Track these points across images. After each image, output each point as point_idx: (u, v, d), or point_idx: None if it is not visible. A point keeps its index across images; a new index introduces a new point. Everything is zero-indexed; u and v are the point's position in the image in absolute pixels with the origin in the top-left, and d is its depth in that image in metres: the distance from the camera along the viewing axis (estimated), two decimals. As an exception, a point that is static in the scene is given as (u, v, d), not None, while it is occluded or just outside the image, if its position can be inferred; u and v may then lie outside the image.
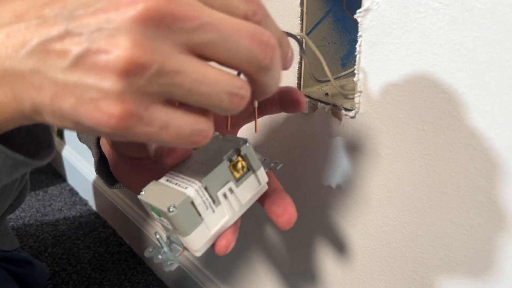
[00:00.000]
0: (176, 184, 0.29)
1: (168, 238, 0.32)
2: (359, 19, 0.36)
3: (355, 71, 0.38)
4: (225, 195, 0.30)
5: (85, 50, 0.20)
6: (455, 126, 0.33)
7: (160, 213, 0.29)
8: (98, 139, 0.44)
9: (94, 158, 0.45)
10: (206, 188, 0.29)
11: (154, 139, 0.22)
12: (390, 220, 0.41)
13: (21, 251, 0.75)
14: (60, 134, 1.31)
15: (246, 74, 0.24)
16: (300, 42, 0.36)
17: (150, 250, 0.32)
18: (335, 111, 0.42)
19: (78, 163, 1.19)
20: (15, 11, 0.22)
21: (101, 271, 0.95)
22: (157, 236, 0.31)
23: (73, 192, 1.23)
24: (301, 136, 0.47)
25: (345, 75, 0.45)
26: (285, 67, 0.28)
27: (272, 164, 0.33)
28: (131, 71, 0.20)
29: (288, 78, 0.45)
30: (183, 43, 0.21)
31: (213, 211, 0.30)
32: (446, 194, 0.35)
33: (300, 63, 0.44)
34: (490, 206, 0.33)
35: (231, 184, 0.30)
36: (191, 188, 0.28)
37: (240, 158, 0.30)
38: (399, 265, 0.42)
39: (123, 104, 0.21)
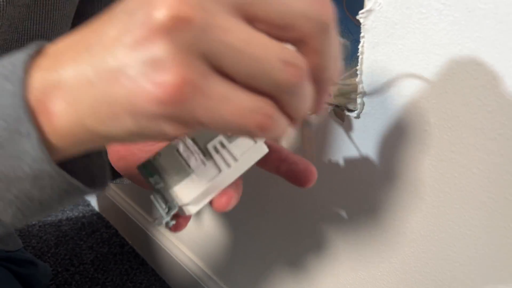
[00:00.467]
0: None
1: (161, 198, 0.30)
2: (361, 20, 0.36)
3: (358, 72, 0.38)
4: (216, 149, 0.29)
5: (129, 28, 0.19)
6: (458, 126, 0.33)
7: (149, 167, 0.28)
8: None
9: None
10: (193, 140, 0.28)
11: (214, 117, 0.20)
12: (393, 221, 0.41)
13: (24, 252, 0.75)
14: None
15: (300, 38, 0.21)
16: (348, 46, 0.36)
17: (156, 219, 0.32)
18: (338, 111, 0.42)
19: (81, 163, 1.19)
20: (88, 27, 0.22)
21: (104, 271, 0.96)
22: (152, 197, 0.30)
23: (75, 193, 1.24)
24: (303, 136, 0.47)
25: (347, 75, 0.45)
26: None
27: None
28: (175, 28, 0.18)
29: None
30: (230, 2, 0.19)
31: (204, 164, 0.29)
32: (449, 194, 0.36)
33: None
34: (492, 206, 0.33)
35: (222, 138, 0.29)
36: (178, 140, 0.28)
37: None
38: (401, 265, 0.42)
39: (177, 70, 0.18)
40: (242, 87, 0.20)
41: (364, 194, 0.43)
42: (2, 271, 0.66)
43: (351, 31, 0.46)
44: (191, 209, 0.29)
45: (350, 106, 0.41)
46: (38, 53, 0.23)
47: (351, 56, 0.47)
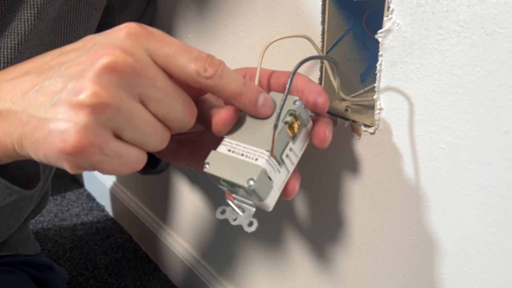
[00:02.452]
0: (242, 154, 0.32)
1: (235, 199, 0.35)
2: (380, 39, 0.37)
3: (375, 89, 0.39)
4: (287, 155, 0.33)
5: (63, 93, 0.26)
6: (474, 145, 0.34)
7: (235, 185, 0.31)
8: None
9: None
10: (273, 156, 0.32)
11: (107, 167, 0.28)
12: (408, 235, 0.42)
13: (42, 256, 0.77)
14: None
15: (203, 90, 0.32)
16: (336, 64, 0.37)
17: (221, 211, 0.35)
18: (355, 126, 0.43)
19: (96, 169, 1.21)
20: (25, 69, 0.29)
21: (118, 276, 0.97)
22: (230, 203, 0.35)
23: (90, 198, 1.26)
24: (319, 150, 0.48)
25: (366, 91, 0.45)
26: (261, 113, 0.33)
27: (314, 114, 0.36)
28: (97, 108, 0.26)
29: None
30: (137, 94, 0.28)
31: (279, 172, 0.33)
32: (464, 211, 0.36)
33: (320, 79, 0.45)
34: (508, 224, 0.34)
35: (291, 144, 0.33)
36: (262, 159, 0.31)
37: (294, 119, 0.33)
38: (415, 280, 0.43)
39: (87, 135, 0.26)
40: (131, 145, 0.29)
41: (381, 209, 0.44)
42: (21, 276, 0.67)
43: (368, 47, 0.47)
44: (269, 210, 0.34)
45: (367, 122, 0.41)
46: None
47: (368, 72, 0.48)
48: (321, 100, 0.34)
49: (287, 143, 0.33)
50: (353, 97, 0.45)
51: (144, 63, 0.28)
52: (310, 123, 0.35)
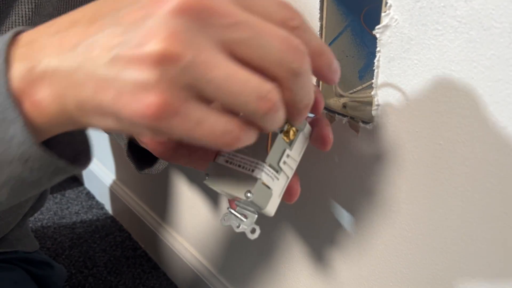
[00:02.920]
0: (239, 166, 0.32)
1: (238, 206, 0.35)
2: (377, 35, 0.37)
3: (373, 85, 0.39)
4: (284, 162, 0.33)
5: (123, 44, 0.21)
6: (472, 141, 0.34)
7: (235, 198, 0.32)
8: None
9: (124, 140, 0.46)
10: (270, 165, 0.32)
11: (188, 135, 0.23)
12: (406, 232, 0.42)
13: (40, 253, 0.77)
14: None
15: (276, 79, 0.24)
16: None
17: (225, 218, 0.35)
18: (353, 123, 0.43)
19: (95, 167, 1.21)
20: (71, 20, 0.24)
21: (117, 274, 0.97)
22: (232, 211, 0.35)
23: (89, 196, 1.26)
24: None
25: (362, 88, 0.45)
26: (330, 78, 0.28)
27: (310, 116, 0.36)
28: (165, 61, 0.21)
29: (307, 90, 0.46)
30: (217, 38, 0.22)
31: (278, 179, 0.33)
32: (462, 207, 0.36)
33: (319, 75, 0.45)
34: (506, 221, 0.34)
35: (287, 151, 0.33)
36: (259, 171, 0.31)
37: (289, 126, 0.33)
38: (414, 277, 0.43)
39: (161, 95, 0.21)
40: (218, 112, 0.23)
41: (380, 206, 0.44)
42: (20, 272, 0.67)
43: (367, 44, 0.47)
44: (271, 215, 0.34)
45: (365, 118, 0.41)
46: (15, 40, 0.25)
47: (367, 69, 0.48)
48: (317, 100, 0.33)
49: (284, 150, 0.33)
50: (351, 93, 0.45)
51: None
52: (308, 126, 0.35)
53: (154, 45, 0.21)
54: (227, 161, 0.33)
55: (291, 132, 0.33)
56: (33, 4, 0.43)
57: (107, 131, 0.24)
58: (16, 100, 0.24)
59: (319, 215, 0.52)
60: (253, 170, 0.31)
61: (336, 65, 0.28)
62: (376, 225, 0.44)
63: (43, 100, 0.24)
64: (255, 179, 0.31)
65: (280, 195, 0.34)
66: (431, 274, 0.41)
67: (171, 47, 0.21)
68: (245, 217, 0.34)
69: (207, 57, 0.21)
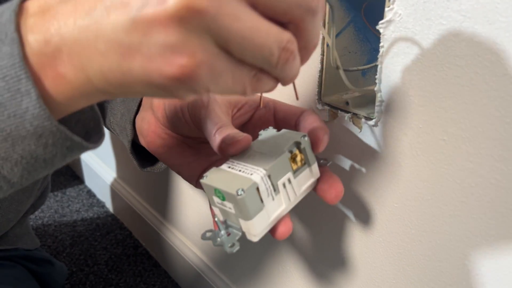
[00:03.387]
0: (239, 170, 0.31)
1: (224, 222, 0.33)
2: (381, 30, 0.37)
3: (376, 81, 0.39)
4: (284, 185, 0.32)
5: (141, 6, 0.20)
6: (476, 137, 0.33)
7: (226, 196, 0.31)
8: (134, 117, 0.45)
9: (128, 137, 0.45)
10: (269, 176, 0.31)
11: (221, 86, 0.23)
12: (409, 229, 0.41)
13: (41, 251, 0.76)
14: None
15: (292, 22, 0.23)
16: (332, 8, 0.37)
17: (207, 235, 0.34)
18: (355, 119, 0.42)
19: (96, 165, 1.21)
20: None
21: (118, 272, 0.97)
22: (216, 219, 0.33)
23: (90, 194, 1.25)
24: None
25: (366, 84, 0.45)
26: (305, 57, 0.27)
27: (321, 161, 0.36)
28: (190, 18, 0.20)
29: (309, 86, 0.46)
30: None
31: (273, 199, 0.32)
32: (466, 204, 0.36)
33: (321, 72, 0.44)
34: (511, 217, 0.33)
35: (290, 175, 0.32)
36: (257, 175, 0.30)
37: (298, 152, 0.33)
38: (417, 274, 0.42)
39: (192, 53, 0.21)
40: (241, 62, 0.23)
41: (383, 202, 0.43)
42: (20, 270, 0.67)
43: (369, 40, 0.47)
44: (255, 239, 0.32)
45: (368, 115, 0.41)
46: (22, 8, 0.23)
47: (369, 64, 0.48)
48: (321, 133, 0.33)
49: (286, 172, 0.32)
50: (354, 89, 0.44)
51: None
52: (317, 171, 0.34)
53: (175, 3, 0.20)
54: (229, 167, 0.32)
55: (299, 158, 0.33)
56: None
57: (136, 97, 0.22)
58: (30, 72, 0.22)
59: (321, 212, 0.51)
60: (251, 174, 0.30)
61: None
62: (379, 221, 0.44)
63: (67, 73, 0.23)
64: (250, 181, 0.30)
65: (270, 219, 0.32)
66: (434, 271, 0.41)
67: (193, 2, 0.20)
68: (228, 234, 0.33)
69: (230, 9, 0.21)
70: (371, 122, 0.41)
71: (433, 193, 0.38)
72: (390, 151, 0.40)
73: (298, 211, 0.55)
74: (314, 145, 0.33)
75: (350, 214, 0.47)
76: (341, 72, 0.42)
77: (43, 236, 1.08)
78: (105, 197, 1.19)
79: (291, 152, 0.32)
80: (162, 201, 0.93)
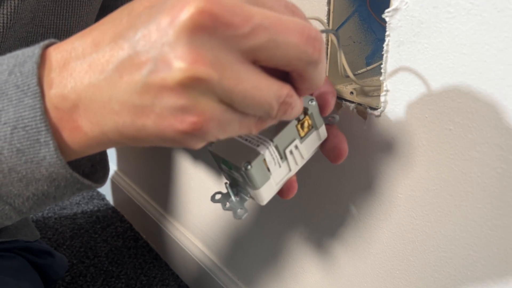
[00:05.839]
0: (246, 140, 0.32)
1: (235, 187, 0.34)
2: (387, 19, 0.37)
3: (382, 70, 0.38)
4: (291, 152, 0.32)
5: (150, 71, 0.22)
6: (483, 126, 0.33)
7: (233, 167, 0.31)
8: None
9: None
10: (276, 147, 0.31)
11: (226, 134, 0.25)
12: (413, 219, 0.41)
13: (41, 242, 0.76)
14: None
15: (294, 72, 0.25)
16: (338, 37, 0.37)
17: (217, 197, 0.35)
18: (360, 109, 0.42)
19: (96, 158, 1.20)
20: (93, 40, 0.24)
21: (118, 264, 0.97)
22: (226, 185, 0.34)
23: (90, 187, 1.25)
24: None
25: (371, 74, 0.45)
26: None
27: (329, 118, 0.36)
28: (196, 85, 0.22)
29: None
30: (237, 49, 0.22)
31: (280, 167, 0.32)
32: (472, 193, 0.36)
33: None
34: (516, 207, 0.33)
35: (297, 142, 0.33)
36: (264, 147, 0.31)
37: (307, 117, 0.33)
38: (421, 264, 0.42)
39: (200, 112, 0.22)
40: (242, 113, 0.25)
41: (388, 193, 0.43)
42: (20, 261, 0.67)
43: (374, 30, 0.46)
44: (263, 203, 0.33)
45: (373, 104, 0.41)
46: (44, 59, 0.25)
47: (374, 56, 0.47)
48: (329, 96, 0.34)
49: (293, 139, 0.32)
50: (356, 75, 0.44)
51: (232, 4, 0.21)
52: (324, 132, 0.34)
53: (181, 72, 0.21)
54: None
55: (306, 124, 0.33)
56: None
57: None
58: (49, 125, 0.24)
59: (324, 204, 0.51)
60: (258, 145, 0.31)
61: None
62: (383, 212, 0.44)
63: (83, 126, 0.24)
64: (257, 154, 0.31)
65: (277, 184, 0.33)
66: (439, 262, 0.40)
67: (198, 71, 0.21)
68: (237, 197, 0.34)
69: (232, 73, 0.22)
70: (376, 112, 0.40)
71: (438, 183, 0.38)
72: (395, 141, 0.40)
73: (301, 209, 0.55)
74: (322, 108, 0.34)
75: (354, 205, 0.47)
76: (346, 65, 0.42)
77: (43, 229, 1.08)
78: (106, 190, 1.19)
79: (298, 119, 0.32)
80: (162, 193, 0.92)
